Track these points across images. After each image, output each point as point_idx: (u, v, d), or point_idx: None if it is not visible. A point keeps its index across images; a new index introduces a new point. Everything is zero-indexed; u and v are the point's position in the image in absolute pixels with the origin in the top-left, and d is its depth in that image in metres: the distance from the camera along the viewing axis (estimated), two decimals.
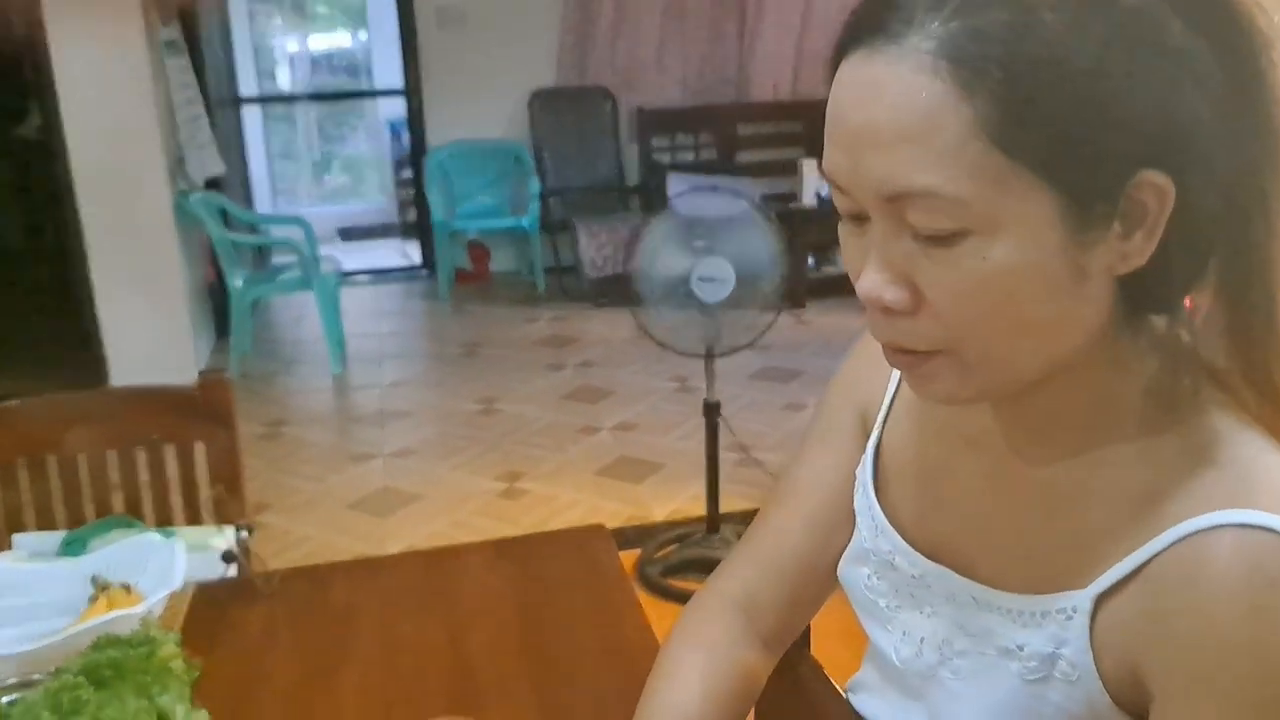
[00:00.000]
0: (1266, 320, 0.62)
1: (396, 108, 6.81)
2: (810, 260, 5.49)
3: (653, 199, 5.65)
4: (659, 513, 3.29)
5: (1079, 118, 0.55)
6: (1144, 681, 0.63)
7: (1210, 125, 0.57)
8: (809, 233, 5.08)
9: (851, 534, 0.85)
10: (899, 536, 0.79)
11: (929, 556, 0.76)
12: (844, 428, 0.87)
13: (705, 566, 2.79)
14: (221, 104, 5.60)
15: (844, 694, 0.93)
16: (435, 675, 1.18)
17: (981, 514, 0.73)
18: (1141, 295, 0.63)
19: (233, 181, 5.57)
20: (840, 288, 5.31)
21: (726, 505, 2.95)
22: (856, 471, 0.84)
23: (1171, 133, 0.57)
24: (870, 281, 0.62)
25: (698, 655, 0.88)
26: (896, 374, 0.82)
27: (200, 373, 1.67)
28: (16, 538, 1.45)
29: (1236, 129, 0.58)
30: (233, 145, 5.91)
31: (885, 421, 0.83)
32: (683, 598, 2.73)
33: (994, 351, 0.61)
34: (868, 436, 0.84)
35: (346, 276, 5.63)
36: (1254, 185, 0.60)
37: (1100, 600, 0.64)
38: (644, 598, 1.28)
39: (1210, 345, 0.64)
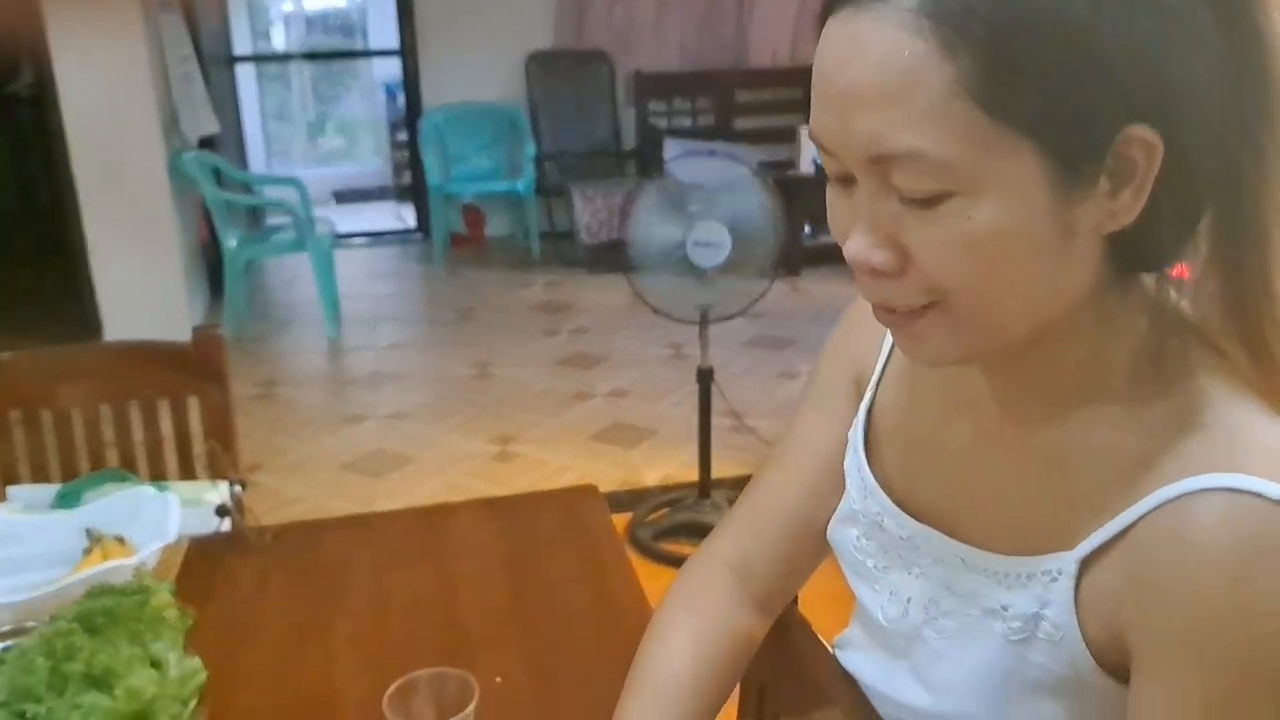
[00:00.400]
0: (1260, 281, 0.61)
1: (392, 68, 6.75)
2: (806, 228, 5.47)
3: (649, 164, 5.62)
4: (651, 478, 3.31)
5: (1065, 75, 0.55)
6: (1125, 643, 0.63)
7: (1203, 81, 0.57)
8: (806, 201, 5.05)
9: None
10: (888, 498, 0.79)
11: (917, 518, 0.77)
12: (838, 392, 0.87)
13: (696, 530, 2.82)
14: (216, 62, 5.55)
15: (831, 650, 0.94)
16: (426, 629, 1.19)
17: (971, 476, 0.73)
18: (1131, 254, 0.62)
19: (227, 141, 5.53)
20: (836, 256, 5.17)
21: (718, 471, 2.97)
22: (848, 434, 0.84)
23: (1161, 88, 0.56)
24: (857, 244, 0.62)
25: (691, 619, 0.89)
26: (889, 337, 0.82)
27: (194, 329, 1.67)
28: (11, 490, 1.46)
29: (1231, 85, 0.57)
30: (227, 105, 5.86)
31: (878, 384, 0.83)
32: (673, 561, 2.76)
33: (983, 308, 0.61)
34: (861, 399, 0.84)
35: (340, 239, 5.61)
36: (1249, 143, 0.59)
37: (1086, 562, 0.64)
38: (635, 560, 1.29)
39: (1204, 308, 0.64)
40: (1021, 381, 0.69)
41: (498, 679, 1.06)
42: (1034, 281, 0.60)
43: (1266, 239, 0.60)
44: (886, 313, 0.65)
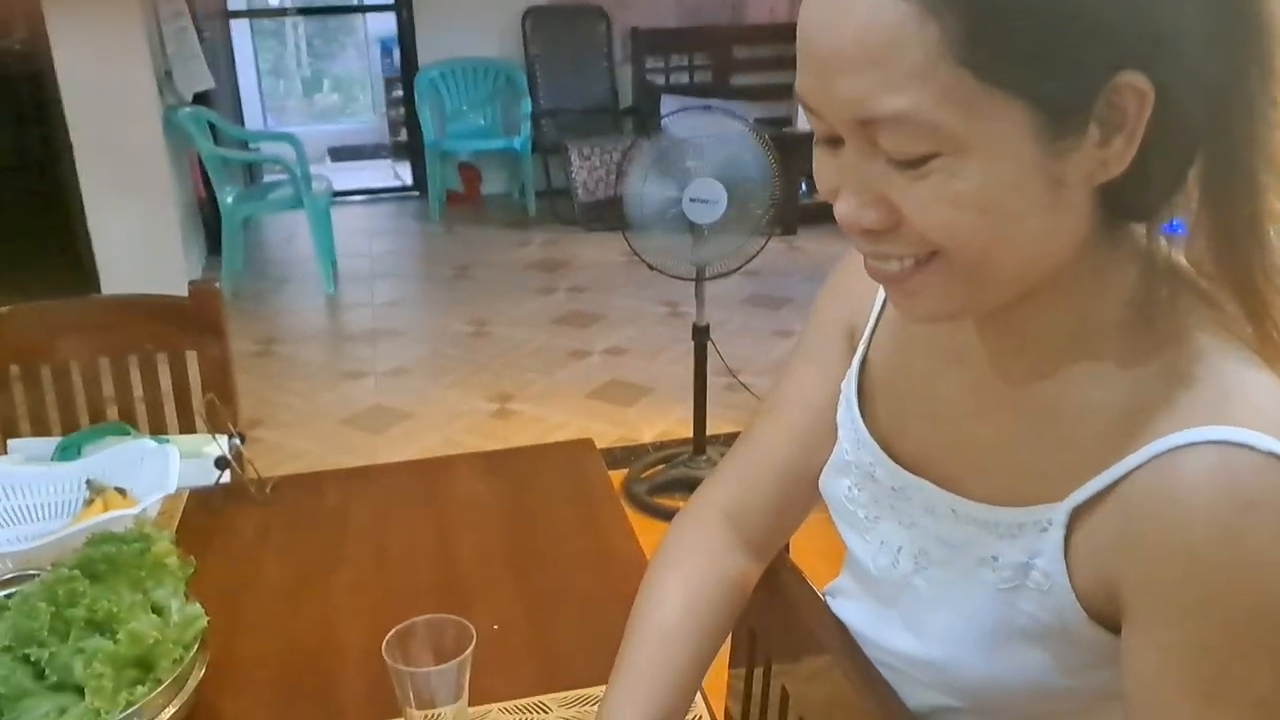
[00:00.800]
0: (1251, 230, 0.61)
1: (387, 24, 6.68)
2: (803, 186, 5.44)
3: (646, 121, 5.58)
4: (647, 435, 3.32)
5: (1052, 27, 0.54)
6: (1117, 595, 0.64)
7: (1192, 26, 0.56)
8: (803, 158, 4.83)
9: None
10: (880, 449, 0.80)
11: (909, 469, 0.78)
12: (830, 344, 0.88)
13: (691, 486, 2.83)
14: (210, 17, 5.49)
15: (822, 597, 0.95)
16: (424, 578, 1.20)
17: (963, 429, 0.74)
18: (1121, 204, 0.62)
19: (222, 98, 5.49)
20: (832, 215, 5.21)
21: (713, 428, 2.98)
22: (841, 385, 0.85)
23: (1150, 34, 0.55)
24: (847, 205, 0.62)
25: (684, 568, 0.90)
26: (883, 290, 0.82)
27: (190, 283, 1.67)
28: (12, 443, 1.46)
29: (1221, 30, 0.57)
30: (222, 61, 5.80)
31: (871, 337, 0.83)
32: (668, 515, 2.76)
33: (976, 263, 0.61)
34: (854, 352, 0.85)
35: (337, 196, 5.58)
36: (1238, 90, 0.58)
37: (1076, 513, 0.65)
38: (630, 516, 1.30)
39: (1196, 259, 0.64)
40: (1013, 336, 0.69)
41: (495, 626, 1.07)
42: (1026, 235, 0.60)
43: (1256, 187, 0.60)
44: (879, 271, 0.65)
